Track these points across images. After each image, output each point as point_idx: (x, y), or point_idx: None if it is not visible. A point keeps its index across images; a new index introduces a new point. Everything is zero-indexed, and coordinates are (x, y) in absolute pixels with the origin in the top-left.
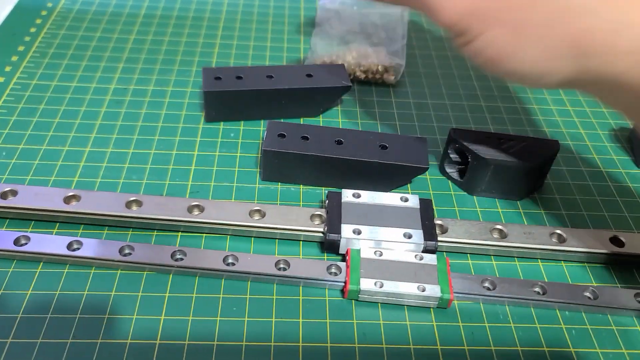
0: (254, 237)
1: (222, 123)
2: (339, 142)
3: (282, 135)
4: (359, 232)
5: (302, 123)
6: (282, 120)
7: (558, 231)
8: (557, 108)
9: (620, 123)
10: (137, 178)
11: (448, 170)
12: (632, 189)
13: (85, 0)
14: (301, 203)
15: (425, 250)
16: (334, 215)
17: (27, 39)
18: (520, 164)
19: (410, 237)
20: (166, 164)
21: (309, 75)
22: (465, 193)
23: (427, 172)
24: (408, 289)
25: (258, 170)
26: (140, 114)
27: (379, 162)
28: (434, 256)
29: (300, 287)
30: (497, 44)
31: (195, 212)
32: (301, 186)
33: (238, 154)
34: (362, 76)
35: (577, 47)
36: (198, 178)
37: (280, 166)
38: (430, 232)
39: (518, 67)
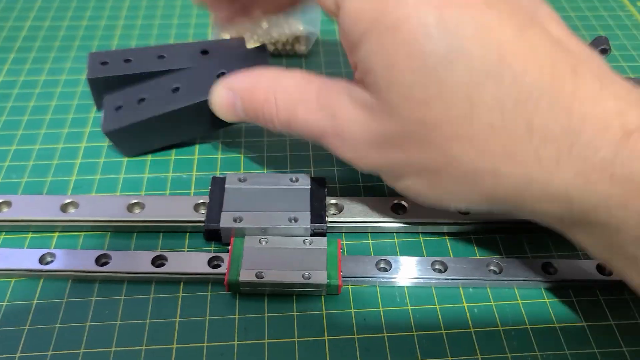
0: (137, 232)
1: None
2: (176, 90)
3: (119, 107)
4: (241, 220)
5: (149, 75)
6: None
7: None
8: None
9: None
10: (17, 177)
11: None
12: None
13: None
14: (192, 192)
15: (315, 234)
16: (215, 203)
17: None
18: None
19: (296, 220)
20: (50, 159)
21: (205, 52)
22: None
23: None
24: (292, 277)
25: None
26: (28, 107)
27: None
28: (324, 239)
29: (181, 285)
30: (413, 189)
31: (71, 209)
32: (194, 173)
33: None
34: (272, 48)
35: (489, 200)
36: (83, 172)
37: (131, 140)
38: (318, 214)
39: (439, 204)
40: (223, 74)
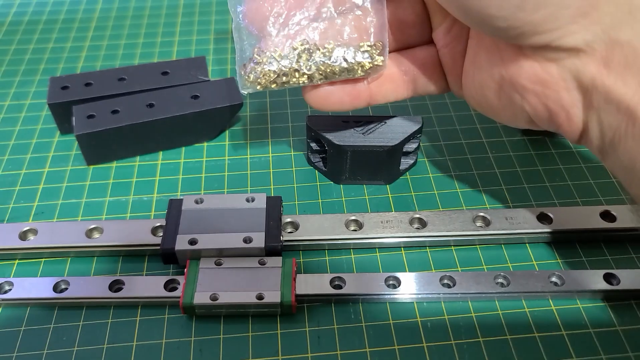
0: (97, 256)
1: None
2: (150, 105)
3: (92, 116)
4: (195, 242)
5: (110, 97)
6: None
7: (418, 215)
8: None
9: None
10: None
11: (313, 159)
12: (513, 157)
13: None
14: (152, 214)
15: (270, 253)
16: (171, 225)
17: None
18: (377, 147)
19: (250, 241)
20: (13, 185)
21: (165, 73)
22: (332, 182)
23: (294, 164)
24: (245, 298)
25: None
26: None
27: (195, 112)
28: (278, 259)
29: (139, 308)
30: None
31: (30, 236)
32: (155, 195)
33: (91, 167)
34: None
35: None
36: (45, 197)
37: (100, 147)
38: (273, 233)
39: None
40: (197, 96)
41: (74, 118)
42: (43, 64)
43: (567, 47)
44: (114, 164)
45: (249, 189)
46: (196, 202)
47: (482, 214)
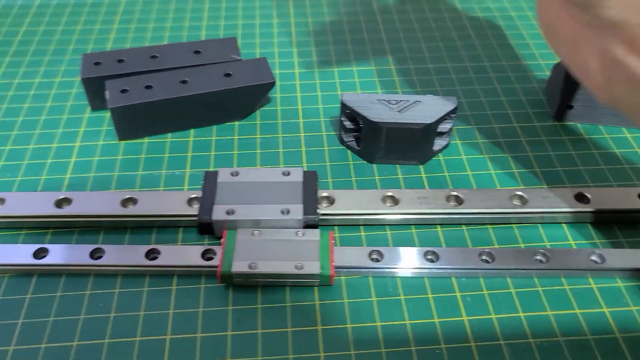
0: (131, 227)
1: (108, 111)
2: (184, 82)
3: (125, 91)
4: (233, 212)
5: (142, 73)
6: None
7: (455, 193)
8: (472, 64)
9: (539, 75)
10: (11, 176)
11: (346, 139)
12: (545, 142)
13: None
14: (185, 187)
15: (307, 225)
16: (208, 197)
17: None
18: (413, 125)
19: (288, 212)
20: (44, 158)
21: (197, 52)
22: (365, 162)
23: (325, 144)
24: (285, 267)
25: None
26: (22, 109)
27: (228, 89)
28: (316, 231)
29: (175, 277)
30: None
31: (64, 205)
32: (187, 170)
33: (122, 142)
34: None
35: None
36: (78, 170)
37: (133, 121)
38: (310, 206)
39: None
40: (229, 74)
41: (107, 92)
42: (72, 44)
43: None
44: (146, 140)
45: (281, 166)
46: (232, 174)
47: (519, 192)
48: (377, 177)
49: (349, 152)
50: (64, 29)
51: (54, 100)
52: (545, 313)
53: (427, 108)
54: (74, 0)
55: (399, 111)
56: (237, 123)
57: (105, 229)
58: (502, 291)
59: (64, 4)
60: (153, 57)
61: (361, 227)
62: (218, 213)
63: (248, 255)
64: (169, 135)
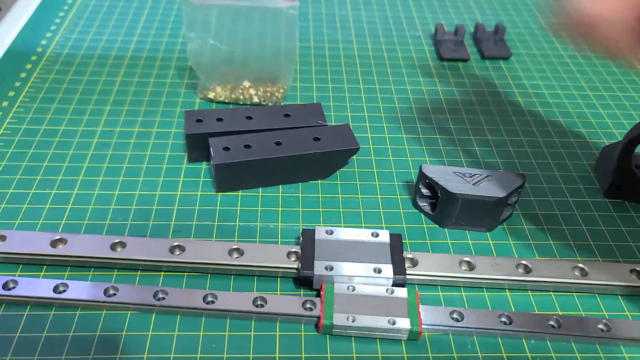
0: (234, 274)
1: (204, 163)
2: (278, 143)
3: (227, 149)
4: (332, 268)
5: (242, 133)
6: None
7: (524, 262)
8: (527, 139)
9: (587, 153)
10: (123, 219)
11: (420, 204)
12: (597, 217)
13: (74, 44)
14: (279, 240)
15: (395, 284)
16: (307, 252)
17: (18, 84)
18: (486, 198)
19: (380, 271)
20: (150, 204)
21: (287, 115)
22: (437, 226)
23: (401, 207)
24: (379, 322)
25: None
26: (126, 156)
27: (318, 152)
28: (404, 289)
29: (277, 323)
30: None
31: (177, 252)
32: (279, 223)
33: (219, 193)
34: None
35: None
36: (181, 218)
37: (232, 176)
38: (399, 266)
39: None
40: (318, 139)
41: (211, 149)
42: (164, 96)
43: None
44: (240, 193)
45: (362, 225)
46: (327, 232)
47: (580, 265)
48: (449, 241)
49: (422, 215)
50: (155, 81)
51: (152, 149)
52: None
53: (498, 183)
54: (161, 55)
55: (473, 184)
56: (319, 182)
57: (211, 274)
58: (568, 355)
59: (153, 58)
60: (248, 117)
61: (439, 287)
62: (319, 268)
63: (346, 309)
64: (260, 190)
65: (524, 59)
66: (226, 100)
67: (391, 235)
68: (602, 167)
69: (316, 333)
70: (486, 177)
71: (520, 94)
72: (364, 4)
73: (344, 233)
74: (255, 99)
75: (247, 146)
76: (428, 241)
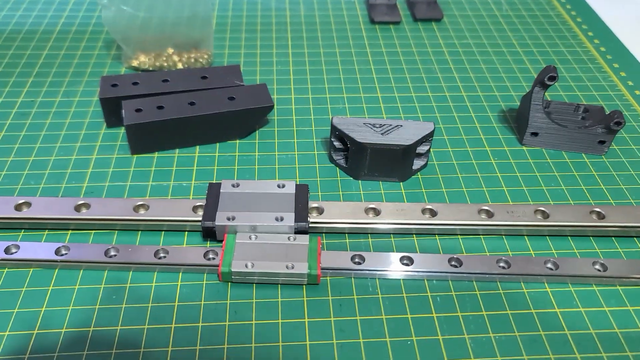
0: (141, 230)
1: (122, 128)
2: (192, 104)
3: (139, 110)
4: (234, 218)
5: (156, 95)
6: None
7: (429, 206)
8: (451, 94)
9: (509, 105)
10: (35, 183)
11: (335, 157)
12: (513, 164)
13: (1, 21)
14: (191, 196)
15: (297, 232)
16: (211, 205)
17: None
18: (393, 146)
19: (282, 219)
20: (64, 168)
21: (204, 77)
22: (351, 178)
23: (317, 161)
24: (278, 267)
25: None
26: (45, 124)
27: (232, 110)
28: (305, 236)
29: (180, 274)
30: None
31: (83, 210)
32: (193, 182)
33: (135, 156)
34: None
35: None
36: (94, 180)
37: (145, 137)
38: (301, 215)
39: None
40: (232, 98)
41: (123, 111)
42: (90, 67)
43: None
44: (156, 155)
45: (277, 180)
46: (233, 185)
47: (485, 207)
48: (362, 192)
49: (338, 169)
50: (82, 53)
51: (72, 117)
52: (505, 312)
53: (407, 131)
54: (91, 27)
55: (382, 134)
56: (238, 141)
57: (119, 231)
58: (468, 293)
59: (83, 30)
60: (164, 80)
61: (346, 235)
62: (220, 218)
63: (245, 256)
64: (177, 150)
65: (457, 20)
66: (151, 68)
67: (297, 185)
68: (520, 116)
69: (217, 282)
70: (396, 126)
71: (450, 53)
72: None
73: (250, 185)
74: (180, 66)
75: (160, 107)
76: (340, 192)
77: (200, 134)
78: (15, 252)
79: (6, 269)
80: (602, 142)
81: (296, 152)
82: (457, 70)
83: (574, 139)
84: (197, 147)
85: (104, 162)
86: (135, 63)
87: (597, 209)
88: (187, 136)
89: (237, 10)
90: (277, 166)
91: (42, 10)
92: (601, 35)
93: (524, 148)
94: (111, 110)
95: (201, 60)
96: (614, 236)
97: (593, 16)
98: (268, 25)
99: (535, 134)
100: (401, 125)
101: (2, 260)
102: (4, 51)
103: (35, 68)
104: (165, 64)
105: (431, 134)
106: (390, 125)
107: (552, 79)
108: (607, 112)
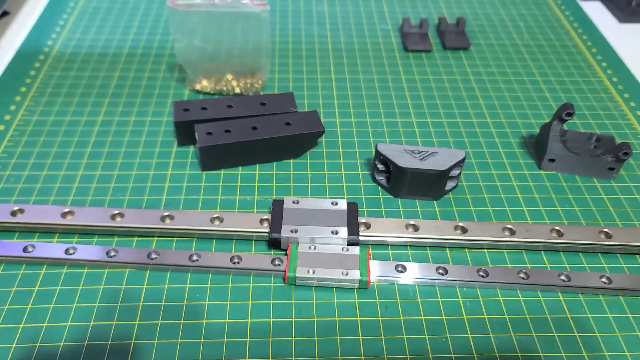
0: (215, 239)
1: (191, 146)
2: (254, 128)
3: (210, 133)
4: (296, 231)
5: (223, 120)
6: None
7: (461, 224)
8: (477, 121)
9: (529, 132)
10: (121, 195)
11: (377, 178)
12: (532, 187)
13: (76, 44)
14: (255, 210)
15: (350, 244)
16: (276, 218)
17: (28, 80)
18: (430, 170)
19: (337, 233)
20: (145, 182)
21: (263, 104)
22: (391, 196)
23: (361, 181)
24: (334, 274)
25: (198, 162)
26: (124, 142)
27: (289, 135)
28: (357, 248)
29: (251, 277)
30: None
31: (167, 220)
32: (255, 196)
33: (204, 172)
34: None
35: None
36: (171, 193)
37: (214, 157)
38: (353, 229)
39: None
40: (289, 123)
41: (196, 134)
42: (157, 89)
43: None
44: (222, 172)
45: (327, 197)
46: (293, 202)
47: (509, 225)
48: (401, 209)
49: (379, 188)
50: (149, 75)
51: (147, 136)
52: (524, 316)
53: (442, 158)
54: (155, 50)
55: (420, 159)
56: (292, 161)
57: (197, 239)
58: (493, 299)
59: (147, 54)
60: (229, 106)
61: (389, 247)
62: (285, 231)
63: (307, 264)
64: (240, 168)
65: (482, 49)
66: (211, 92)
67: (348, 203)
68: (539, 143)
69: (283, 284)
70: (432, 153)
71: (476, 81)
72: (339, 0)
73: (308, 202)
74: (237, 90)
75: (227, 131)
76: (383, 209)
77: (260, 154)
78: (114, 255)
79: (106, 269)
80: (611, 169)
81: (343, 172)
82: (482, 98)
83: (586, 165)
84: (257, 165)
85: (178, 177)
86: (197, 86)
87: (605, 230)
88: (250, 156)
89: (283, 36)
90: (327, 184)
91: (110, 34)
92: (613, 65)
93: (542, 172)
94: (183, 131)
95: (256, 85)
96: (619, 253)
97: (607, 47)
98: (312, 51)
99: (552, 160)
100: (437, 152)
101: (102, 262)
102: (81, 73)
103: (110, 89)
104: (225, 88)
105: (462, 161)
106: (427, 152)
107: (569, 115)
108: (617, 141)
